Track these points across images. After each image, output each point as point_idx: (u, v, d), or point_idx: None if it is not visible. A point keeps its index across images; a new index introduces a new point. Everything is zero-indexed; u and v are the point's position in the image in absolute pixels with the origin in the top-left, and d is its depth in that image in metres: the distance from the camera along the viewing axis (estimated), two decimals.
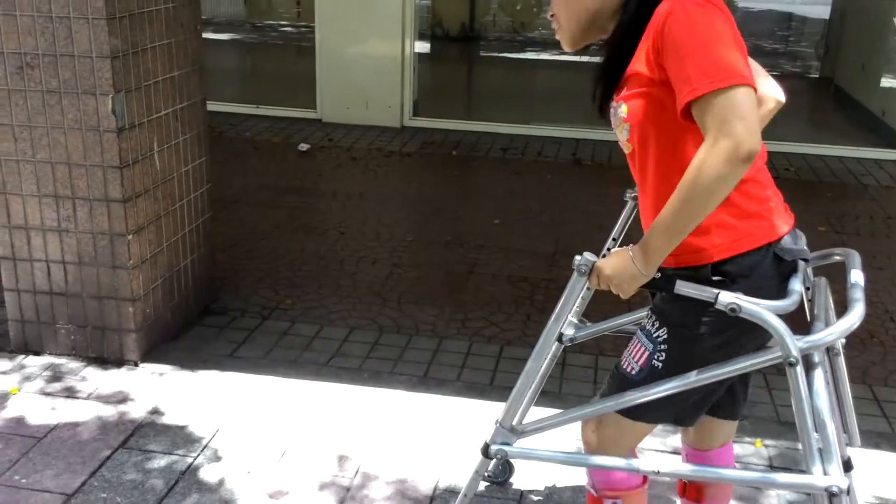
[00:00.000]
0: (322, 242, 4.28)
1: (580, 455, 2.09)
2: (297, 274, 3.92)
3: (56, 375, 2.99)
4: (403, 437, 2.69)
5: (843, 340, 1.89)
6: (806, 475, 1.65)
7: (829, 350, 1.89)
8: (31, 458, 2.54)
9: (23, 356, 3.11)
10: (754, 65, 1.75)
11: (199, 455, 2.58)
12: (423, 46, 9.06)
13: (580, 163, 5.80)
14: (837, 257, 1.88)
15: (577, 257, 1.69)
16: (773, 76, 1.84)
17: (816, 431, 1.61)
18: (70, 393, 2.89)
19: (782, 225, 1.68)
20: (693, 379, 1.68)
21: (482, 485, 2.48)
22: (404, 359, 3.21)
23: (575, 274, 1.70)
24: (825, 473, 1.62)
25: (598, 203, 4.92)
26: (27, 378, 2.97)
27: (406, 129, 6.52)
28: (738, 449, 2.66)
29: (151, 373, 3.04)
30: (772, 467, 2.60)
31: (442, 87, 8.55)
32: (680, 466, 1.95)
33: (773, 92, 1.80)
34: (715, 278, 1.62)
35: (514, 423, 1.88)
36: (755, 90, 1.46)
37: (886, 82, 7.03)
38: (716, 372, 1.66)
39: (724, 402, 1.89)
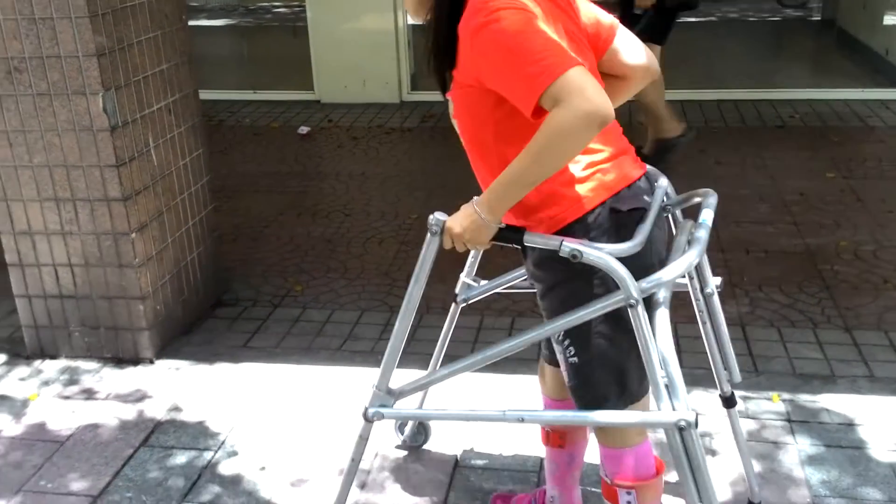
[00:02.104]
0: (328, 226, 4.27)
1: (455, 412, 2.30)
2: (304, 259, 3.91)
3: (73, 378, 3.01)
4: None
5: (719, 280, 1.94)
6: (655, 412, 1.68)
7: (703, 290, 1.93)
8: (55, 463, 2.56)
9: (39, 361, 3.13)
10: (627, 36, 1.82)
11: (219, 449, 2.60)
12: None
13: None
14: (698, 199, 1.89)
15: (431, 217, 1.75)
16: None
17: (662, 368, 1.63)
18: (88, 395, 2.91)
19: (627, 174, 1.72)
20: (549, 328, 1.74)
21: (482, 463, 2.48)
22: (417, 337, 3.20)
23: (428, 234, 1.75)
24: (673, 409, 1.64)
25: None
26: (45, 383, 2.99)
27: (405, 103, 6.47)
28: (753, 406, 2.65)
29: (167, 369, 3.05)
30: (790, 421, 2.59)
31: None
32: (543, 413, 2.07)
33: (650, 62, 1.84)
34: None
35: (391, 385, 1.92)
36: (583, 65, 1.49)
37: (889, 20, 6.90)
38: (568, 319, 1.70)
39: None
